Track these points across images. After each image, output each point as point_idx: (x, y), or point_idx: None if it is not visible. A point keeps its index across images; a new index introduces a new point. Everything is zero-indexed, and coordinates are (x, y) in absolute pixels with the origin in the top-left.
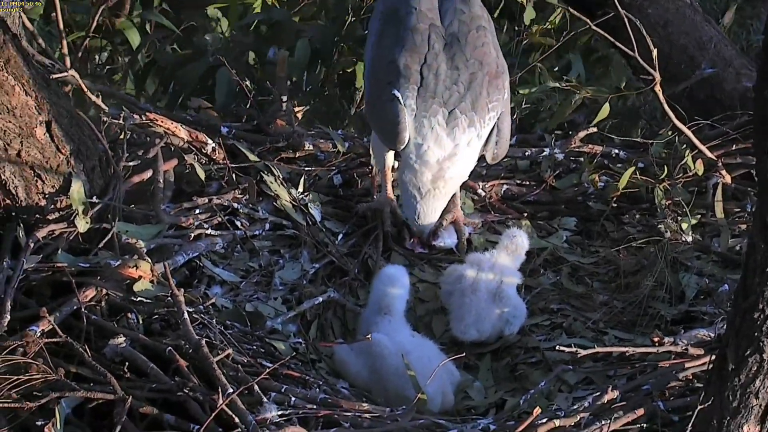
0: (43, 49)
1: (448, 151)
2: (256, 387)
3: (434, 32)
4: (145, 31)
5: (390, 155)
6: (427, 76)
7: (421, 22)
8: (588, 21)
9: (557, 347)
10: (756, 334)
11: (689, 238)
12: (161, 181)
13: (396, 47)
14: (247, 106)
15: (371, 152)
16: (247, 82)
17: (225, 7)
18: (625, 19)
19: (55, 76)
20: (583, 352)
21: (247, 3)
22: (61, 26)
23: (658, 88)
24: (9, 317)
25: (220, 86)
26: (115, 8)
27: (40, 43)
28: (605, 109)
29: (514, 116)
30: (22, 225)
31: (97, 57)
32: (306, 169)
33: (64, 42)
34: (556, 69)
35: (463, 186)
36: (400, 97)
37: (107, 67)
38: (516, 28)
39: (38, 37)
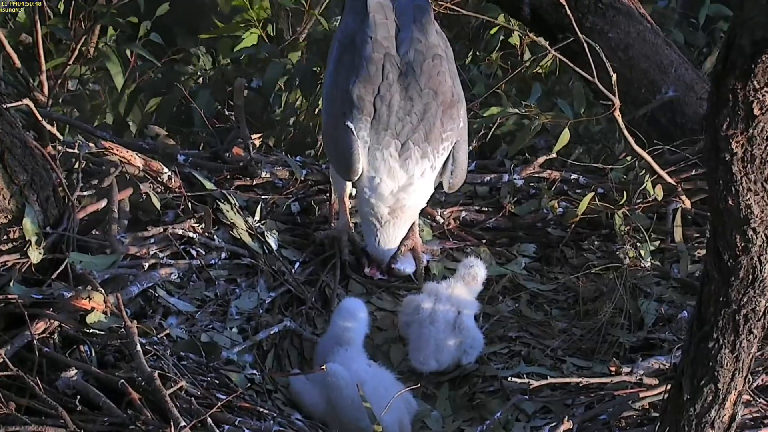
0: (6, 74)
1: (401, 183)
2: (209, 420)
3: (389, 62)
4: (128, 59)
5: (348, 183)
6: (380, 108)
7: (376, 51)
8: (548, 47)
9: (510, 378)
10: (711, 363)
11: (648, 264)
12: (116, 210)
13: (351, 77)
14: (204, 134)
15: (330, 180)
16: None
17: (215, 37)
18: (585, 45)
19: (8, 105)
20: (535, 384)
21: (236, 35)
22: (41, 53)
23: (617, 114)
24: None
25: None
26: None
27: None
28: (565, 135)
29: (473, 142)
30: None
31: (71, 84)
32: (263, 197)
33: (44, 75)
34: (517, 93)
35: (422, 213)
36: (354, 129)
37: (89, 95)
38: (477, 54)
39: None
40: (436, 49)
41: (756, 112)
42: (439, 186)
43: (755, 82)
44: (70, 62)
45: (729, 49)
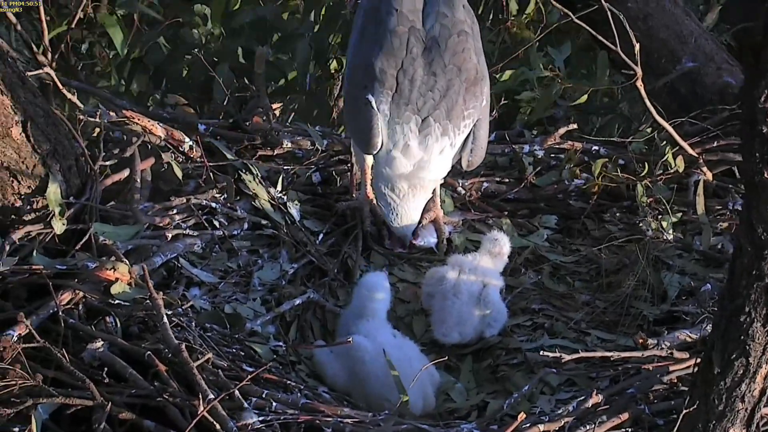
0: (20, 45)
1: (419, 159)
2: (236, 392)
3: (414, 36)
4: (131, 23)
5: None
6: (402, 82)
7: (401, 24)
8: (569, 13)
9: (541, 352)
10: (742, 337)
11: (670, 237)
12: (138, 180)
13: (374, 49)
14: (224, 102)
15: (352, 149)
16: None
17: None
18: (608, 13)
19: (30, 73)
20: (567, 357)
21: None
22: (44, 20)
23: (639, 83)
24: None
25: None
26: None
27: (22, 33)
28: (583, 97)
29: (493, 111)
30: None
31: (80, 48)
32: (284, 167)
33: (46, 36)
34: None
35: (443, 184)
36: (374, 103)
37: (91, 62)
38: (501, 17)
39: (20, 30)
40: (462, 25)
41: None
42: (457, 163)
43: None
44: (73, 26)
45: (767, 18)
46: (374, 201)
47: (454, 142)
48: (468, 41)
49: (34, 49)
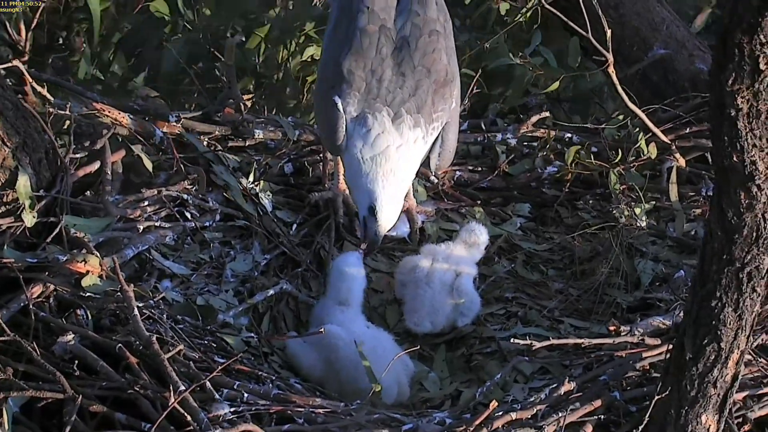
0: None
1: (395, 143)
2: (208, 384)
3: (384, 35)
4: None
5: None
6: (370, 82)
7: (372, 23)
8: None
9: (512, 340)
10: (713, 322)
11: (644, 223)
12: (109, 172)
13: (343, 48)
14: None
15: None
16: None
17: None
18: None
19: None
20: (538, 345)
21: None
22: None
23: (611, 69)
24: None
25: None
26: None
27: None
28: (555, 84)
29: (465, 101)
30: None
31: (57, 36)
32: (256, 158)
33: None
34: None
35: (416, 173)
36: (340, 105)
37: (65, 54)
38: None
39: None
40: (434, 24)
41: (762, 66)
42: (425, 165)
43: (762, 36)
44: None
45: (735, 3)
46: (347, 192)
47: (426, 138)
48: (439, 41)
49: (13, 35)
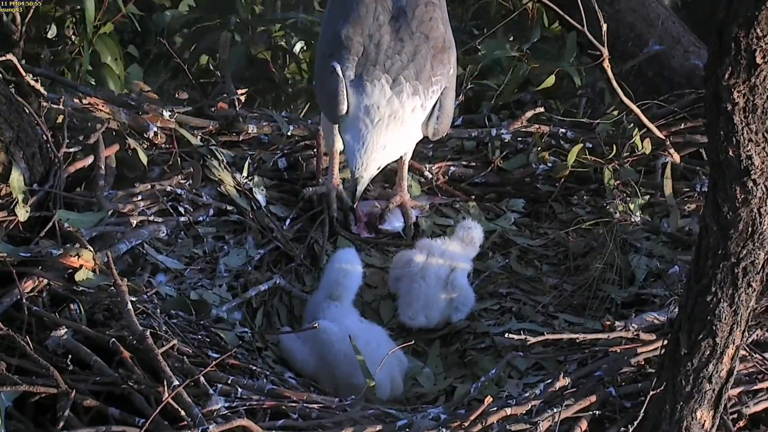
0: None
1: (395, 110)
2: (202, 379)
3: (381, 5)
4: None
5: (339, 137)
6: (368, 47)
7: None
8: None
9: (507, 335)
10: (708, 317)
11: (638, 219)
12: (103, 167)
13: (340, 18)
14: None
15: (321, 132)
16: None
17: None
18: None
19: None
20: (532, 340)
21: None
22: None
23: (606, 64)
24: None
25: None
26: None
27: None
28: (550, 79)
29: (460, 96)
30: None
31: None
32: (250, 152)
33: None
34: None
35: (410, 168)
36: (339, 70)
37: (58, 48)
38: None
39: None
40: None
41: (758, 60)
42: (425, 141)
43: (758, 30)
44: None
45: None
46: (341, 186)
47: (424, 104)
48: (435, 11)
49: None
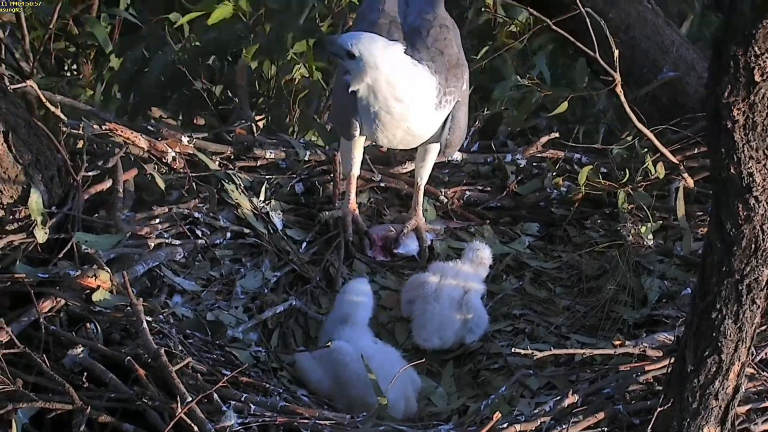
0: (2, 58)
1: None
2: (215, 395)
3: (394, 26)
4: (111, 35)
5: (357, 162)
6: None
7: (383, 18)
8: (548, 21)
9: (513, 349)
10: (714, 334)
11: (651, 242)
12: (121, 190)
13: None
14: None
15: (339, 157)
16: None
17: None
18: (587, 21)
19: (13, 86)
20: (539, 354)
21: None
22: (24, 25)
23: (619, 89)
24: None
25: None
26: (83, 11)
27: (7, 44)
28: (564, 105)
29: (476, 122)
30: None
31: (64, 62)
32: (267, 177)
33: (26, 40)
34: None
35: (426, 193)
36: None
37: (76, 74)
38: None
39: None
40: (444, 20)
41: (757, 78)
42: (441, 165)
43: (756, 48)
44: (51, 26)
45: (730, 15)
46: (357, 210)
47: (442, 100)
48: (449, 33)
49: (23, 51)
